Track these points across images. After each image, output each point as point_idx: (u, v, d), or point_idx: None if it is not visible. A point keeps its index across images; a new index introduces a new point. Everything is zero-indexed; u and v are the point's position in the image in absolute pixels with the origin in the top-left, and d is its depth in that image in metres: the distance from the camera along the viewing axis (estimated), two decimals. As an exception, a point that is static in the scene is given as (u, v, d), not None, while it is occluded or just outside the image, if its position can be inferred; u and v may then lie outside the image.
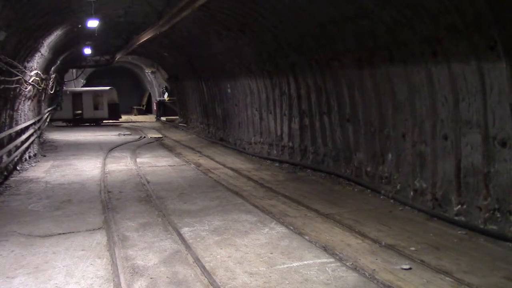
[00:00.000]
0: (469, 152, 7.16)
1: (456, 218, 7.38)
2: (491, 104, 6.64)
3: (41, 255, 6.32)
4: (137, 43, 19.05)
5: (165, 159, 15.01)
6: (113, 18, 15.29)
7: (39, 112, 17.94)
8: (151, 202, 9.26)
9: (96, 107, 29.99)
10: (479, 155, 6.95)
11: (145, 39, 17.22)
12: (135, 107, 39.56)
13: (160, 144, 19.22)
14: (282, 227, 7.49)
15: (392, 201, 8.87)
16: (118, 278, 5.47)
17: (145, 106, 39.90)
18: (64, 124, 29.47)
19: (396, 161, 8.95)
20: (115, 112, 30.84)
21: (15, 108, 12.44)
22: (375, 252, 6.34)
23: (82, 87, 33.37)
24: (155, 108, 34.99)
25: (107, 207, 8.83)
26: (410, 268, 5.74)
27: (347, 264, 5.90)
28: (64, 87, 29.98)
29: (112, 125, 29.16)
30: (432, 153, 7.95)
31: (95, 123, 30.01)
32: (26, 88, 12.73)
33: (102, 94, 30.04)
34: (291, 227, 7.43)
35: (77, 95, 29.71)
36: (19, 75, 11.33)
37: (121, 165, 13.73)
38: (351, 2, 8.60)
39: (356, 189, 9.99)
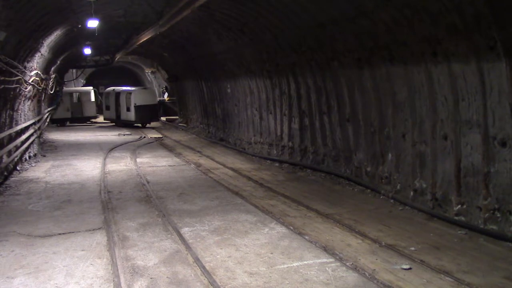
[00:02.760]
0: (469, 152, 7.16)
1: (456, 218, 7.38)
2: (491, 104, 6.65)
3: (41, 255, 6.32)
4: (137, 43, 19.07)
5: (165, 159, 15.00)
6: (113, 18, 15.29)
7: (39, 112, 17.93)
8: (151, 202, 9.26)
9: (128, 109, 26.82)
10: (479, 155, 6.95)
11: (145, 39, 17.23)
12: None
13: (160, 144, 19.22)
14: (282, 227, 7.50)
15: (392, 201, 8.87)
16: (118, 278, 5.47)
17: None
18: (113, 124, 28.32)
19: (396, 161, 8.95)
20: (146, 116, 26.70)
21: (15, 108, 12.44)
22: (375, 252, 6.34)
23: (120, 86, 30.27)
24: (155, 108, 34.92)
25: (107, 207, 8.83)
26: (410, 268, 5.74)
27: (347, 264, 5.90)
28: (110, 87, 28.18)
29: (112, 125, 29.07)
30: (432, 153, 7.95)
31: (129, 126, 26.59)
32: (26, 88, 12.73)
33: (130, 95, 26.74)
34: (291, 227, 7.43)
35: (118, 95, 27.65)
36: (19, 75, 11.33)
37: (121, 165, 13.73)
38: (351, 2, 8.60)
39: (356, 189, 9.99)
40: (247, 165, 13.63)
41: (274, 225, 7.62)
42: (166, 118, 30.82)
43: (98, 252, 6.44)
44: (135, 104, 26.19)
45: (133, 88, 28.18)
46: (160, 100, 33.52)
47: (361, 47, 9.27)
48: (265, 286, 5.31)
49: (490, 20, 6.16)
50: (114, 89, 28.75)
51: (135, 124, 26.57)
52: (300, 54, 11.61)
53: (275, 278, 5.52)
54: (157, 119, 28.06)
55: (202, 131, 22.54)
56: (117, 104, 27.82)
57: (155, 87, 36.44)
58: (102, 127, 27.63)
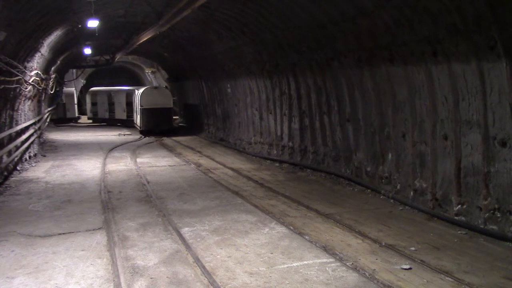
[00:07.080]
0: (469, 152, 7.16)
1: (456, 218, 7.38)
2: (491, 104, 6.65)
3: (41, 255, 6.31)
4: (137, 43, 19.05)
5: (165, 159, 15.01)
6: (113, 18, 15.28)
7: (39, 112, 17.94)
8: (151, 202, 9.26)
9: (137, 112, 23.37)
10: (479, 155, 6.95)
11: (145, 39, 17.22)
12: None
13: (160, 144, 19.22)
14: (282, 227, 7.49)
15: (392, 201, 8.87)
16: (118, 278, 5.47)
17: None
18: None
19: (396, 161, 8.95)
20: (155, 122, 22.06)
21: (15, 108, 12.44)
22: (375, 252, 6.34)
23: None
24: (155, 108, 34.63)
25: (107, 207, 8.83)
26: (410, 268, 5.74)
27: (347, 264, 5.90)
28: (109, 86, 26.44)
29: (112, 125, 29.03)
30: (432, 153, 7.95)
31: (144, 132, 22.36)
32: (26, 88, 12.73)
33: (137, 96, 23.22)
34: (291, 227, 7.43)
35: (137, 95, 23.72)
36: (19, 75, 11.33)
37: (121, 165, 13.73)
38: (351, 2, 8.60)
39: (356, 189, 9.99)
40: (247, 165, 13.63)
41: (274, 225, 7.62)
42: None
43: (98, 252, 6.43)
44: (141, 106, 22.31)
45: (142, 88, 24.31)
46: None
47: (361, 47, 9.26)
48: (265, 286, 5.31)
49: (490, 20, 6.15)
50: (138, 88, 25.75)
51: (141, 130, 22.68)
52: (300, 54, 11.61)
53: (275, 278, 5.52)
54: (170, 126, 23.25)
55: (202, 131, 22.54)
56: (135, 106, 24.83)
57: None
58: (102, 127, 27.61)
